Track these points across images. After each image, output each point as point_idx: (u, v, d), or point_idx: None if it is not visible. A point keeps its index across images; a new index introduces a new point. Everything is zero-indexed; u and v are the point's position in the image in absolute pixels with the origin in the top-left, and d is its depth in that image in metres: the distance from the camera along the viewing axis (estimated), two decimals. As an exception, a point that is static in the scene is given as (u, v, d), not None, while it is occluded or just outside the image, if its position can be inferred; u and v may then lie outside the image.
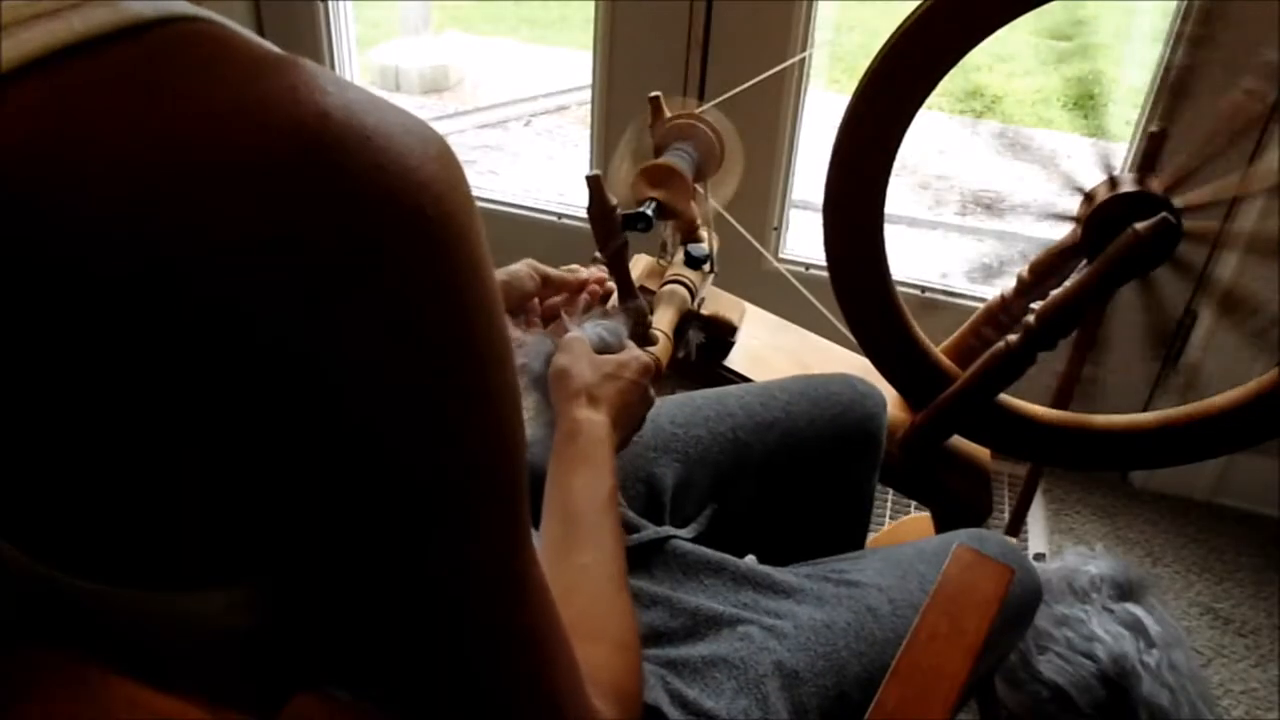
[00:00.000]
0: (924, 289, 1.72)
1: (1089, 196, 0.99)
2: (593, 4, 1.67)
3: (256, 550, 0.36)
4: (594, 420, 0.66)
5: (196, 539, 0.35)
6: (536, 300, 0.83)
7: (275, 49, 0.34)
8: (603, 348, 0.75)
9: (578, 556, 0.58)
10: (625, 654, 0.53)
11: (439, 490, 0.37)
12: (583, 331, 0.76)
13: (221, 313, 0.30)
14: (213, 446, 0.32)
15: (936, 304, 1.70)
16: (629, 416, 0.70)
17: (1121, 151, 1.56)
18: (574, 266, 0.87)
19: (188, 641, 0.38)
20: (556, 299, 0.84)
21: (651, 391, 0.74)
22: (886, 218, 1.00)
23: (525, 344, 0.75)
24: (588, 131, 1.84)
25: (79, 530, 0.34)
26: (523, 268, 0.80)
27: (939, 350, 1.10)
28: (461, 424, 0.37)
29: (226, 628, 0.38)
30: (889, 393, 1.10)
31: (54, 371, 0.31)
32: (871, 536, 0.93)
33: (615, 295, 1.01)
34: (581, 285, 0.84)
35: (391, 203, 0.33)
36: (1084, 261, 1.00)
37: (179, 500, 0.33)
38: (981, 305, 1.16)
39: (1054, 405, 1.13)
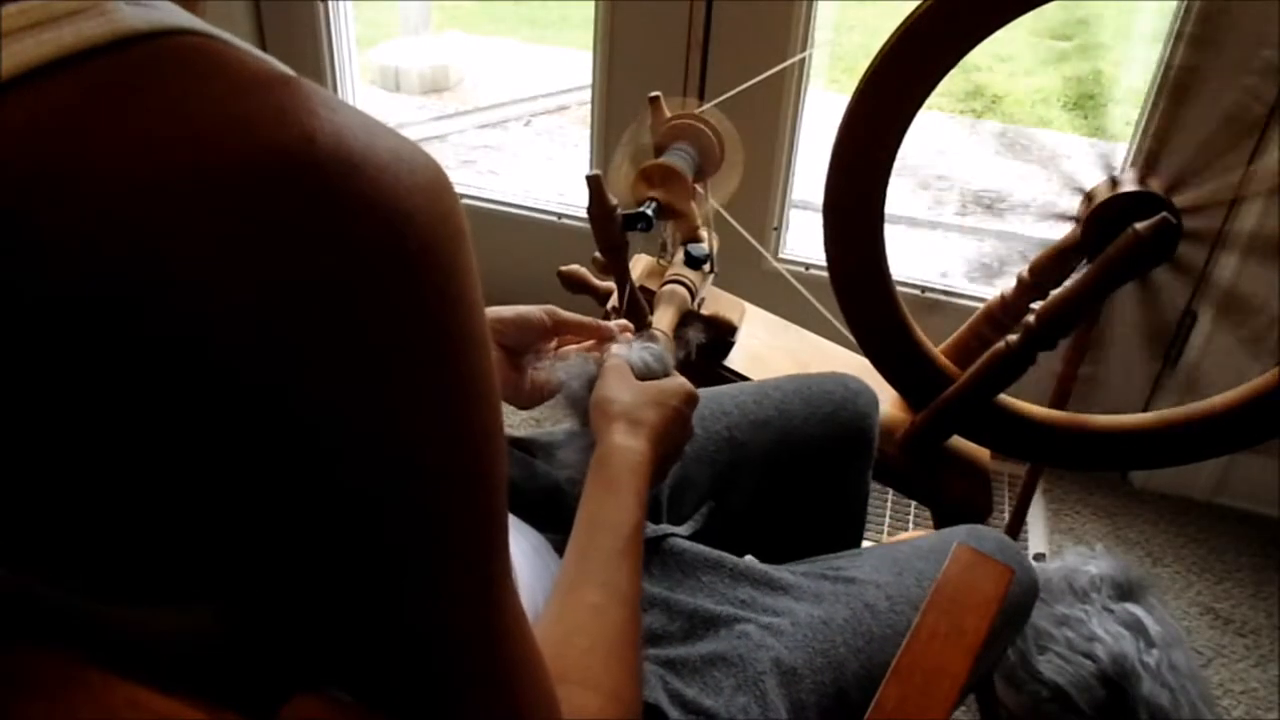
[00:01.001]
0: (924, 289, 1.72)
1: (1089, 196, 0.99)
2: (593, 4, 1.67)
3: (232, 570, 0.35)
4: (629, 448, 0.64)
5: (174, 558, 0.35)
6: (554, 343, 0.80)
7: (273, 66, 0.33)
8: (646, 373, 0.72)
9: (588, 594, 0.55)
10: (618, 707, 0.50)
11: (407, 528, 0.36)
12: (627, 354, 0.73)
13: (187, 336, 0.30)
14: (179, 467, 0.32)
15: (937, 304, 1.70)
16: (670, 445, 0.68)
17: (1121, 151, 1.56)
18: (575, 268, 0.87)
19: (182, 647, 0.38)
20: (574, 345, 0.81)
21: (693, 424, 0.71)
22: (886, 218, 1.00)
23: (567, 363, 0.72)
24: (588, 131, 1.84)
25: (58, 547, 0.34)
26: (537, 309, 0.77)
27: (939, 350, 1.10)
28: (432, 463, 0.36)
29: (217, 635, 0.38)
30: (889, 393, 1.10)
31: (27, 389, 0.30)
32: (869, 545, 0.93)
33: (614, 295, 1.01)
34: (600, 333, 0.79)
35: (371, 232, 0.32)
36: (1084, 261, 1.00)
37: (151, 520, 0.33)
38: (981, 305, 1.16)
39: (1053, 405, 1.13)
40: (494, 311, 0.75)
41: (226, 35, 0.34)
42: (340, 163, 0.31)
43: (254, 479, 0.33)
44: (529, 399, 0.77)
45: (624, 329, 0.79)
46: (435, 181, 0.34)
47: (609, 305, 1.05)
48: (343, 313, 0.32)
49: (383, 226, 0.32)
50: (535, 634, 0.48)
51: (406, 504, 0.36)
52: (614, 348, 0.74)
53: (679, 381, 0.71)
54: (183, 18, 0.33)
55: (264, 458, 0.32)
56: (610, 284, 1.04)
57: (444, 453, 0.36)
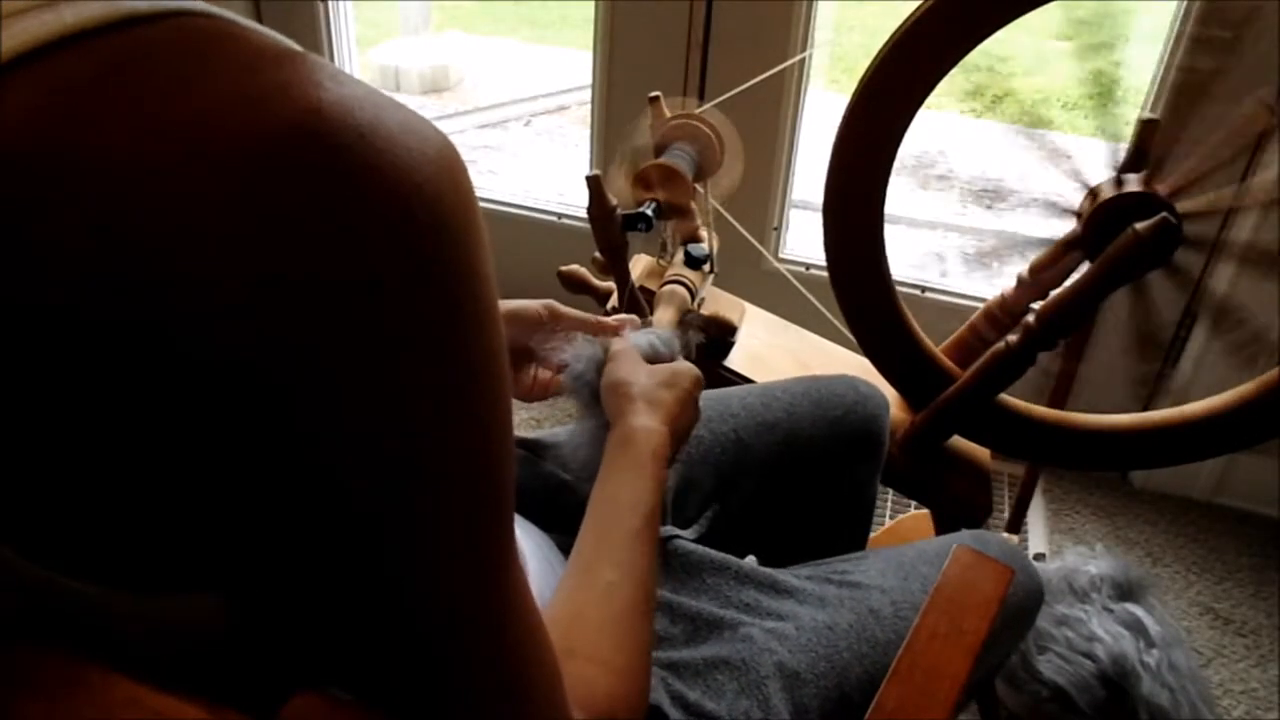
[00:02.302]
0: (924, 289, 1.72)
1: (1093, 193, 0.99)
2: (593, 4, 1.67)
3: (235, 560, 0.35)
4: (650, 429, 0.63)
5: (179, 545, 0.35)
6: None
7: (279, 42, 0.33)
8: (654, 357, 0.72)
9: (603, 571, 0.55)
10: (627, 682, 0.50)
11: (412, 517, 0.36)
12: (636, 338, 0.73)
13: (188, 321, 0.30)
14: (181, 456, 0.32)
15: (937, 304, 1.70)
16: (683, 427, 0.67)
17: (1122, 152, 1.56)
18: (575, 267, 0.86)
19: (185, 641, 0.38)
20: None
21: (700, 405, 0.70)
22: (886, 218, 1.00)
23: (573, 346, 0.71)
24: (588, 131, 1.84)
25: (64, 532, 0.34)
26: (535, 304, 0.76)
27: (939, 350, 1.10)
28: (438, 449, 0.35)
29: (220, 628, 0.38)
30: (889, 392, 1.10)
31: (30, 380, 0.30)
32: (871, 535, 0.93)
33: (615, 296, 1.01)
34: (601, 328, 0.77)
35: (379, 205, 0.31)
36: (1085, 261, 1.00)
37: (154, 511, 0.33)
38: (982, 305, 1.16)
39: (1051, 404, 1.13)
40: None
41: (231, 15, 0.34)
42: (346, 134, 0.31)
43: (256, 466, 0.32)
44: (528, 393, 0.76)
45: (626, 323, 0.78)
46: (444, 153, 0.34)
47: (609, 305, 1.04)
48: (351, 288, 0.31)
49: (390, 198, 0.31)
50: (548, 612, 0.48)
51: (411, 489, 0.35)
52: (623, 332, 0.74)
53: (688, 364, 0.71)
54: (187, 0, 0.33)
55: (267, 437, 0.32)
56: (610, 284, 1.04)
57: (451, 439, 0.36)
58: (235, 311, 0.30)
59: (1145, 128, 1.01)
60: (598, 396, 0.69)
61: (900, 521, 1.51)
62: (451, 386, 0.35)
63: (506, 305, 0.75)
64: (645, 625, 0.54)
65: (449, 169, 0.34)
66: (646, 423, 0.64)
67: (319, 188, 0.30)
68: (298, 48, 0.33)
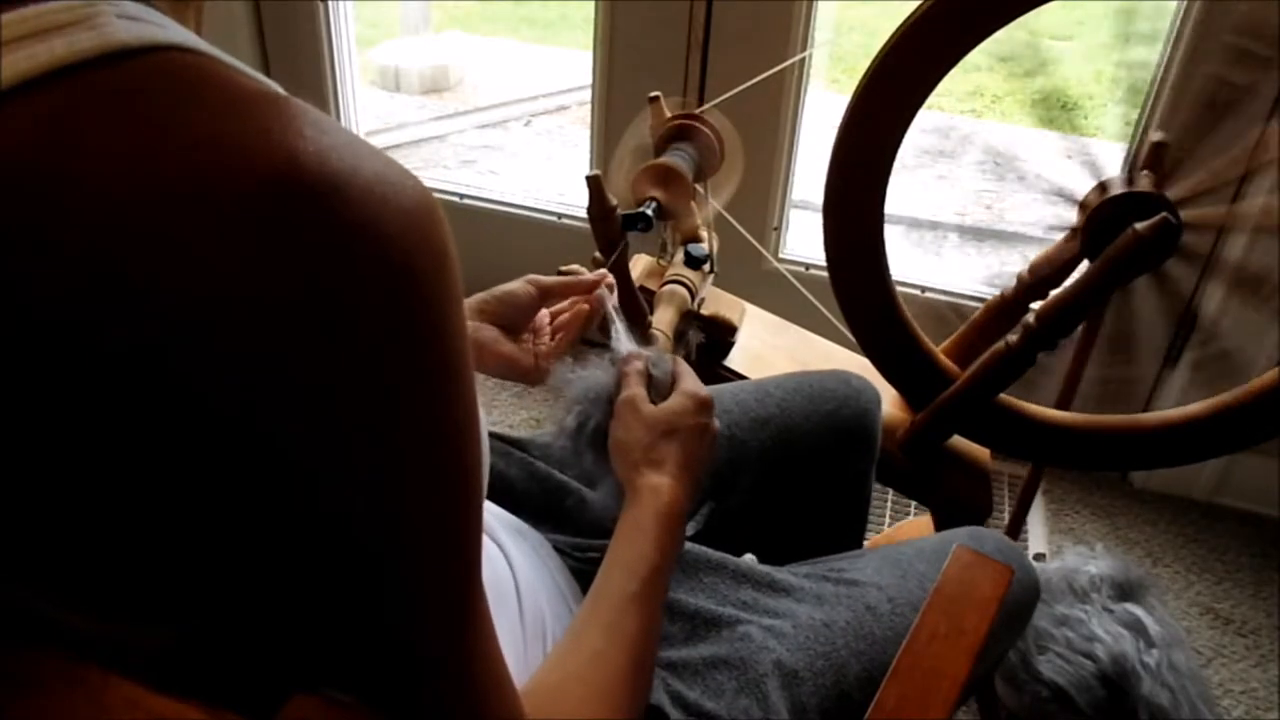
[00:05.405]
0: (924, 289, 1.72)
1: (1103, 185, 0.99)
2: (593, 4, 1.67)
3: (216, 585, 0.36)
4: (656, 487, 0.63)
5: (157, 577, 0.35)
6: (546, 315, 0.79)
7: (263, 85, 0.33)
8: (649, 386, 0.70)
9: (592, 639, 0.54)
10: None
11: (374, 553, 0.36)
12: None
13: (160, 352, 0.30)
14: (153, 484, 0.32)
15: (938, 306, 1.70)
16: (697, 465, 0.66)
17: (1120, 151, 1.56)
18: (575, 267, 0.86)
19: (180, 649, 0.38)
20: (567, 315, 0.80)
21: (715, 423, 0.69)
22: (886, 218, 1.00)
23: (580, 400, 0.70)
24: (588, 131, 1.84)
25: (51, 572, 0.34)
26: (519, 284, 0.76)
27: (939, 350, 1.10)
28: (403, 492, 0.36)
29: (210, 640, 0.38)
30: (889, 392, 1.10)
31: (31, 392, 0.30)
32: (871, 538, 0.92)
33: (614, 295, 1.01)
34: (587, 288, 0.78)
35: (351, 255, 0.32)
36: (1084, 261, 1.00)
37: (131, 537, 0.33)
38: (982, 305, 1.16)
39: (1058, 405, 1.13)
40: (478, 296, 0.75)
41: (217, 52, 0.34)
42: (322, 184, 0.31)
43: (225, 498, 0.33)
44: (538, 376, 0.76)
45: (606, 282, 0.78)
46: (420, 206, 0.34)
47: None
48: (317, 335, 0.32)
49: (362, 249, 0.32)
50: (535, 678, 0.49)
51: (374, 530, 0.36)
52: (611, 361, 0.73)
53: (685, 396, 0.68)
54: (175, 34, 0.33)
55: (234, 476, 0.32)
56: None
57: (419, 483, 0.36)
58: (205, 334, 0.30)
59: (1156, 149, 1.00)
60: (605, 439, 0.68)
61: (900, 527, 1.51)
62: (413, 436, 0.35)
63: (491, 293, 0.75)
64: (632, 696, 0.54)
65: (423, 221, 0.34)
66: (650, 480, 0.64)
67: (291, 236, 0.31)
68: (280, 90, 0.34)
